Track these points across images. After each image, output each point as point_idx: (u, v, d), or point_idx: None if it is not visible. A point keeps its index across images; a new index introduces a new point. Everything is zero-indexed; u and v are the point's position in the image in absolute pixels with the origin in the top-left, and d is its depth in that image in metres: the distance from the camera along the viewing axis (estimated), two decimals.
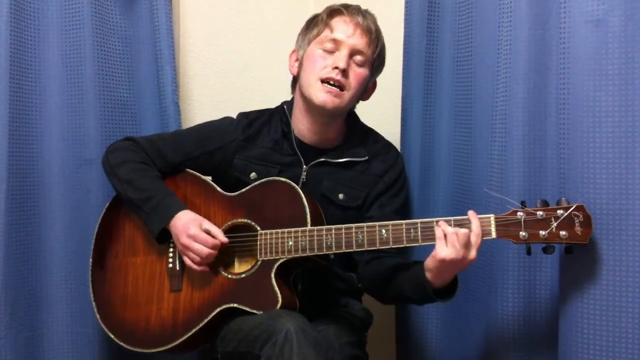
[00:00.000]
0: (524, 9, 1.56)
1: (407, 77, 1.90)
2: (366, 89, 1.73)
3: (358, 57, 1.65)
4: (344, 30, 1.65)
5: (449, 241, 1.40)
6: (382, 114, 2.10)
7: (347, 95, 1.65)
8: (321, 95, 1.63)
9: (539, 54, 1.55)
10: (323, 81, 1.63)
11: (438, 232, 1.42)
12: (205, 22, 2.23)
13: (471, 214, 1.43)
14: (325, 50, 1.65)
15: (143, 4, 2.02)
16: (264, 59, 2.27)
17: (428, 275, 1.46)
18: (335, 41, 1.65)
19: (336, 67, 1.62)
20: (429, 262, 1.45)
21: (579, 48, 1.45)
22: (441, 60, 1.86)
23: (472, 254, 1.41)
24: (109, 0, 1.96)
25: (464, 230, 1.39)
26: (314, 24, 1.71)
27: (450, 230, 1.40)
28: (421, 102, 1.88)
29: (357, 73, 1.65)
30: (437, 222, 1.44)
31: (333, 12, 1.68)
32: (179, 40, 2.17)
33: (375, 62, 1.70)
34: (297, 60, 1.73)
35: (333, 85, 1.62)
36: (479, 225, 1.41)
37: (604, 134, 1.42)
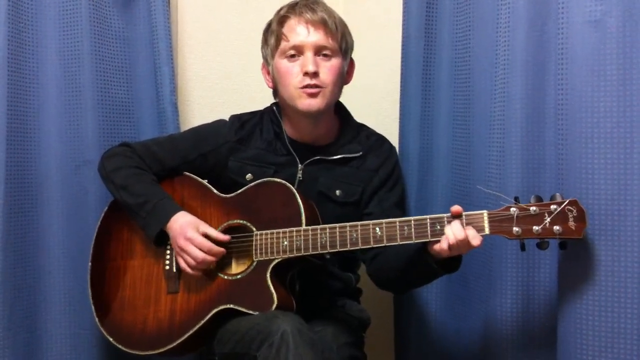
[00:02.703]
0: (522, 10, 1.56)
1: (405, 78, 1.90)
2: (344, 75, 1.72)
3: (324, 52, 1.65)
4: (297, 33, 1.64)
5: (452, 246, 1.40)
6: (381, 114, 2.10)
7: (327, 91, 1.65)
8: (305, 102, 1.63)
9: (537, 55, 1.55)
10: (301, 88, 1.63)
11: (449, 235, 1.41)
12: (204, 23, 2.23)
13: (453, 211, 1.43)
14: (290, 59, 1.65)
15: (141, 5, 2.02)
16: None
17: (432, 255, 1.46)
18: (295, 47, 1.64)
19: (306, 73, 1.62)
20: (433, 252, 1.45)
21: (577, 48, 1.45)
22: (439, 61, 1.86)
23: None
24: (107, 1, 1.96)
25: (462, 243, 1.39)
26: (270, 34, 1.70)
27: (451, 239, 1.40)
28: (419, 103, 1.88)
29: (329, 67, 1.65)
30: (448, 220, 1.43)
31: (281, 19, 1.67)
32: (177, 41, 2.17)
33: (343, 46, 1.69)
34: (268, 73, 1.74)
35: (310, 87, 1.63)
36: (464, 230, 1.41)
37: (602, 135, 1.42)
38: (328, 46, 1.64)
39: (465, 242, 1.40)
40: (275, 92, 1.75)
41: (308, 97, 1.63)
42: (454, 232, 1.40)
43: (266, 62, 1.74)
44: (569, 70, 1.47)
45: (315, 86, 1.62)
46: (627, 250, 1.40)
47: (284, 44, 1.65)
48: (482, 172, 1.69)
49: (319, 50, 1.64)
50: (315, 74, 1.62)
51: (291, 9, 1.67)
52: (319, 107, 1.64)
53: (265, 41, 1.73)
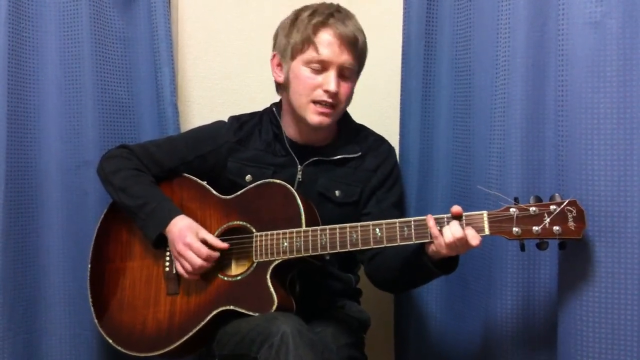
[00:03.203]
0: (522, 11, 1.56)
1: (405, 78, 1.90)
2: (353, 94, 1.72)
3: (345, 72, 1.64)
4: (330, 50, 1.60)
5: (447, 245, 1.41)
6: (381, 115, 2.10)
7: (339, 109, 1.66)
8: (315, 117, 1.63)
9: (538, 56, 1.55)
10: (315, 102, 1.62)
11: (434, 231, 1.42)
12: (204, 23, 2.23)
13: (453, 211, 1.43)
14: (313, 71, 1.62)
15: (141, 5, 2.01)
16: (263, 60, 2.25)
17: (430, 255, 1.47)
18: (322, 62, 1.61)
19: (327, 91, 1.61)
20: (431, 252, 1.45)
21: (577, 50, 1.45)
22: (440, 61, 1.86)
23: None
24: (107, 2, 1.96)
25: (460, 242, 1.40)
26: (296, 32, 1.64)
27: (448, 239, 1.40)
28: (420, 104, 1.88)
29: (345, 88, 1.64)
30: (448, 221, 1.43)
31: (317, 26, 1.62)
32: (178, 41, 2.17)
33: (360, 68, 1.70)
34: (279, 65, 1.70)
35: (325, 105, 1.62)
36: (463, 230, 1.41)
37: (602, 136, 1.42)
38: (350, 68, 1.64)
39: (463, 242, 1.40)
40: (279, 87, 1.74)
41: (319, 114, 1.62)
42: (452, 232, 1.40)
43: (281, 57, 1.69)
44: (569, 71, 1.47)
45: (331, 106, 1.62)
46: (627, 251, 1.40)
47: (311, 54, 1.62)
48: (482, 172, 1.69)
49: (341, 71, 1.63)
50: (335, 94, 1.62)
51: (327, 19, 1.62)
52: (327, 124, 1.64)
53: (287, 35, 1.66)
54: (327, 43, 1.61)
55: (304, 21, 1.64)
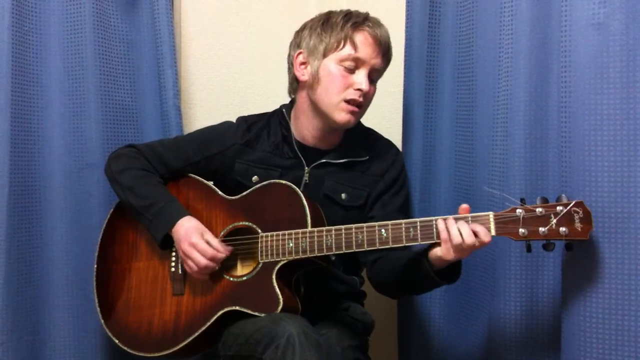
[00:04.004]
0: (525, 13, 1.56)
1: (408, 80, 1.90)
2: None
3: (374, 75, 1.67)
4: (368, 49, 1.63)
5: (454, 247, 1.41)
6: (384, 117, 2.10)
7: (363, 110, 1.69)
8: (345, 116, 1.64)
9: (540, 57, 1.55)
10: (346, 101, 1.64)
11: (443, 234, 1.42)
12: (207, 26, 2.24)
13: (462, 210, 1.44)
14: (347, 69, 1.63)
15: (144, 8, 2.02)
16: (266, 62, 2.27)
17: (432, 263, 1.47)
18: (357, 60, 1.63)
19: (359, 89, 1.62)
20: (434, 259, 1.45)
21: (580, 51, 1.45)
22: (442, 63, 1.86)
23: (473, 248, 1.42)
24: (110, 5, 1.96)
25: (470, 241, 1.39)
26: (332, 31, 1.65)
27: (457, 240, 1.40)
28: (422, 106, 1.88)
29: (372, 89, 1.67)
30: (435, 220, 1.44)
31: (356, 26, 1.64)
32: (181, 43, 2.17)
33: (383, 73, 1.72)
34: (304, 63, 1.70)
35: (355, 104, 1.64)
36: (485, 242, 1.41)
37: (605, 137, 1.42)
38: (379, 71, 1.68)
39: (471, 241, 1.39)
40: (299, 87, 1.73)
41: (348, 112, 1.64)
42: (462, 231, 1.40)
43: (310, 55, 1.68)
44: (572, 72, 1.47)
45: (360, 105, 1.64)
46: (631, 252, 1.41)
47: (348, 52, 1.62)
48: (485, 174, 1.69)
49: (371, 72, 1.65)
50: (366, 94, 1.63)
51: (363, 21, 1.65)
52: (353, 123, 1.67)
53: (320, 34, 1.66)
54: (365, 42, 1.63)
55: (339, 22, 1.65)
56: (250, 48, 2.28)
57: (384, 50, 1.66)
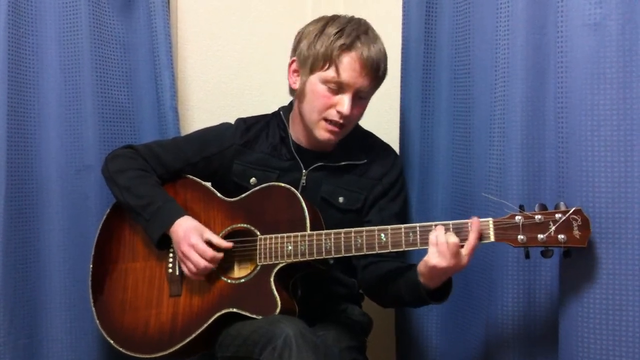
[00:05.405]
0: (521, 14, 1.56)
1: (405, 81, 1.90)
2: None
3: (361, 94, 1.64)
4: (352, 74, 1.59)
5: (439, 250, 1.41)
6: (381, 118, 2.10)
7: (348, 128, 1.67)
8: (325, 134, 1.64)
9: (537, 58, 1.55)
10: (326, 120, 1.63)
11: (431, 238, 1.43)
12: (204, 28, 2.23)
13: (474, 223, 1.43)
14: (330, 90, 1.62)
15: (141, 10, 2.02)
16: (263, 64, 2.27)
17: (421, 278, 1.47)
18: (340, 84, 1.60)
19: (339, 112, 1.61)
20: (421, 267, 1.46)
21: (577, 52, 1.45)
22: (439, 64, 1.86)
23: (463, 261, 1.41)
24: (107, 6, 1.96)
25: (453, 240, 1.40)
26: (321, 47, 1.61)
27: (441, 239, 1.41)
28: (419, 107, 1.88)
29: (359, 107, 1.65)
30: (435, 225, 1.44)
31: (342, 48, 1.59)
32: (177, 45, 2.17)
33: (376, 90, 1.69)
34: (296, 72, 1.69)
35: (335, 124, 1.63)
36: (476, 237, 1.41)
37: (602, 138, 1.42)
38: (368, 91, 1.64)
39: (450, 247, 1.39)
40: (292, 92, 1.73)
41: (328, 132, 1.64)
42: (436, 235, 1.41)
43: (301, 65, 1.66)
44: (568, 73, 1.47)
45: (341, 126, 1.63)
46: (628, 254, 1.41)
47: (331, 75, 1.60)
48: (482, 176, 1.69)
49: (357, 93, 1.62)
50: (347, 117, 1.62)
51: (353, 42, 1.59)
52: (336, 140, 1.66)
53: (310, 47, 1.63)
54: (349, 67, 1.59)
55: (330, 38, 1.61)
56: (248, 49, 2.28)
57: (372, 72, 1.61)
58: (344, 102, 1.60)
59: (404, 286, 1.53)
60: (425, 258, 1.43)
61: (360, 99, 1.65)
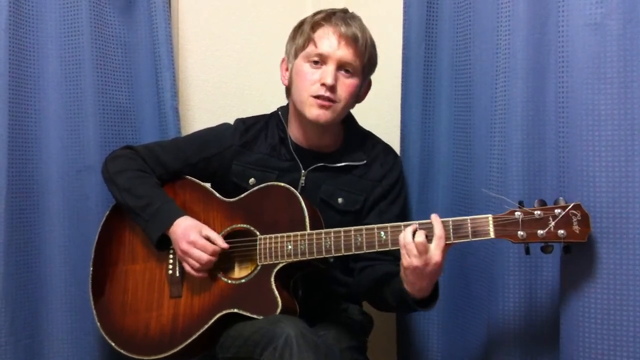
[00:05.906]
0: (522, 13, 1.56)
1: (406, 81, 1.90)
2: (359, 94, 1.72)
3: (346, 68, 1.64)
4: (328, 44, 1.63)
5: (407, 251, 1.41)
6: (381, 118, 2.10)
7: (338, 106, 1.65)
8: (314, 111, 1.63)
9: (538, 58, 1.55)
10: (314, 97, 1.63)
11: (400, 239, 1.43)
12: (204, 27, 2.23)
13: (433, 218, 1.43)
14: (313, 65, 1.64)
15: (142, 10, 2.01)
16: (263, 64, 2.27)
17: (404, 285, 1.47)
18: (321, 55, 1.63)
19: (324, 84, 1.61)
20: (400, 272, 1.46)
21: (578, 51, 1.45)
22: (440, 64, 1.86)
23: (435, 258, 1.40)
24: (108, 6, 1.96)
25: (419, 239, 1.40)
26: (300, 33, 1.68)
27: (408, 239, 1.41)
28: (420, 107, 1.88)
29: (347, 84, 1.64)
30: (404, 227, 1.45)
31: (315, 24, 1.65)
32: (178, 45, 2.17)
33: (366, 68, 1.69)
34: (287, 70, 1.73)
35: (324, 99, 1.62)
36: (441, 228, 1.41)
37: (603, 137, 1.42)
38: (352, 64, 1.64)
39: (418, 246, 1.40)
40: (288, 91, 1.74)
41: (319, 107, 1.63)
42: (402, 237, 1.42)
43: (288, 59, 1.72)
44: (569, 72, 1.47)
45: (329, 99, 1.62)
46: (629, 252, 1.40)
47: (311, 48, 1.64)
48: (483, 175, 1.69)
49: (341, 66, 1.63)
50: (332, 88, 1.61)
51: (327, 18, 1.66)
52: (326, 119, 1.64)
53: (292, 38, 1.71)
54: (325, 37, 1.63)
55: (307, 23, 1.68)
56: (249, 50, 2.28)
57: (350, 43, 1.62)
58: (327, 73, 1.61)
59: (392, 293, 1.54)
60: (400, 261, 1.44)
61: (348, 74, 1.65)
